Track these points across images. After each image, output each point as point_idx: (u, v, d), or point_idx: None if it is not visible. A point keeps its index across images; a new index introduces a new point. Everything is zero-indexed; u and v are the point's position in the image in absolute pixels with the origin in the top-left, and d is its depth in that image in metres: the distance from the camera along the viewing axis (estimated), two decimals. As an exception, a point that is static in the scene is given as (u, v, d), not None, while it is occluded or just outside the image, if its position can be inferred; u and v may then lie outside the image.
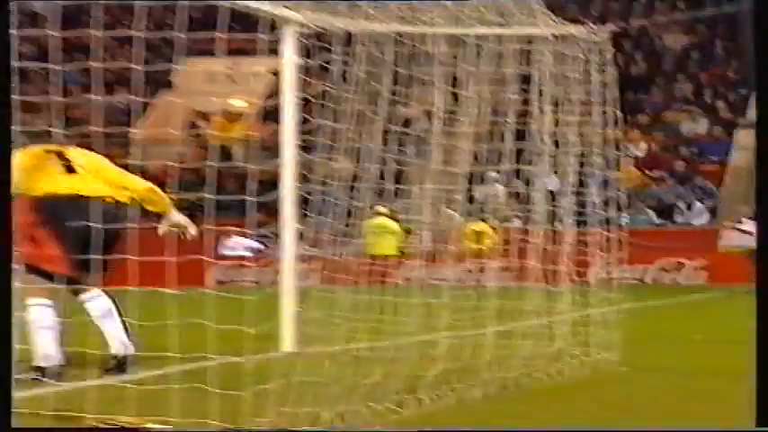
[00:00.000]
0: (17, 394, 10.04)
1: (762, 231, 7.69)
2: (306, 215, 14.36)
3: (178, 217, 13.35)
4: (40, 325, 12.48)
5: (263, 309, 13.77)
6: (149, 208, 13.23)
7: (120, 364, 12.59)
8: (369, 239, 24.02)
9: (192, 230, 13.27)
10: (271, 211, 15.46)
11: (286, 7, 14.21)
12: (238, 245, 34.00)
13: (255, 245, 34.05)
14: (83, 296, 12.84)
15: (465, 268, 19.36)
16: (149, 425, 8.89)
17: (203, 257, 12.15)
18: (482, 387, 11.03)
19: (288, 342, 14.32)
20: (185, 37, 11.25)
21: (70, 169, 12.87)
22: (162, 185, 13.37)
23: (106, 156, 12.77)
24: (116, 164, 13.19)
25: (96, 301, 12.76)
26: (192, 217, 13.45)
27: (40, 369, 12.23)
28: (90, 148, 12.27)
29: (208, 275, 29.66)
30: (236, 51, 33.67)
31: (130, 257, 10.92)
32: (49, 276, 12.43)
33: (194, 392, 9.69)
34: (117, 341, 12.69)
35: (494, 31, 14.13)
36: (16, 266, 11.17)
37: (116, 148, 14.36)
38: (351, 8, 13.81)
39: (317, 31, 14.30)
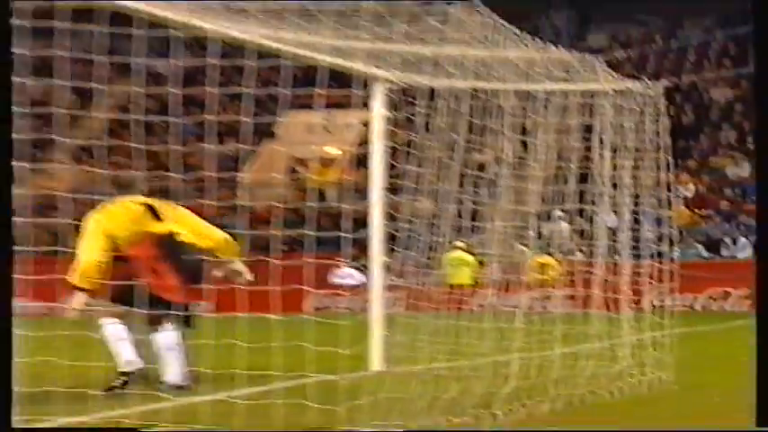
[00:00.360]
0: (137, 408, 10.12)
1: (762, 232, 7.56)
2: (393, 249, 14.36)
3: (239, 265, 13.45)
4: (118, 338, 12.62)
5: (355, 332, 13.79)
6: (220, 255, 13.30)
7: (171, 388, 12.49)
8: (447, 271, 23.97)
9: (248, 277, 13.37)
10: (362, 245, 15.48)
11: (376, 66, 14.24)
12: (347, 274, 34.04)
13: (359, 275, 34.08)
14: (159, 327, 12.82)
15: (533, 296, 19.26)
16: None
17: (304, 287, 12.18)
18: (550, 403, 10.96)
19: (376, 362, 14.30)
20: (288, 93, 11.32)
21: (158, 217, 12.97)
22: (266, 223, 13.39)
23: (217, 198, 12.82)
24: (225, 205, 13.23)
25: (169, 335, 12.82)
26: (291, 251, 13.47)
27: (127, 374, 12.36)
28: (202, 192, 12.30)
29: (306, 303, 29.68)
30: (331, 105, 33.70)
31: (241, 287, 10.97)
32: (166, 305, 12.49)
33: (295, 407, 9.70)
34: (173, 372, 12.70)
35: (560, 86, 14.11)
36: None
37: (226, 191, 14.43)
38: (434, 66, 13.83)
39: (404, 86, 14.33)
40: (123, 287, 12.35)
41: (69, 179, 14.81)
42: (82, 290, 12.53)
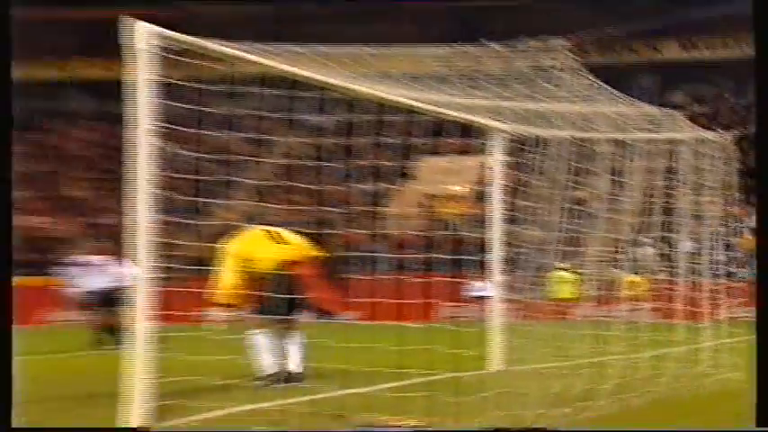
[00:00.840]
0: (285, 401, 10.17)
1: (762, 231, 6.77)
2: (509, 269, 14.38)
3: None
4: (264, 348, 12.50)
5: (479, 338, 13.83)
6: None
7: (290, 378, 12.45)
8: (553, 287, 23.85)
9: None
10: (483, 266, 15.48)
11: (495, 119, 14.27)
12: (481, 288, 33.79)
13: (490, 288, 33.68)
14: (293, 332, 12.70)
15: (624, 309, 19.11)
16: (405, 422, 8.74)
17: (435, 300, 12.24)
18: (639, 398, 10.89)
19: (496, 362, 14.29)
20: (422, 142, 11.44)
21: (278, 241, 12.81)
22: (405, 248, 13.49)
23: (366, 227, 12.91)
24: (372, 233, 13.34)
25: (300, 337, 12.74)
26: (427, 270, 13.51)
27: (270, 376, 12.32)
28: (353, 222, 12.39)
29: (438, 313, 29.63)
30: (457, 151, 33.77)
31: (384, 300, 11.08)
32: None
33: (430, 399, 9.72)
34: (295, 363, 12.61)
35: (647, 135, 14.07)
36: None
37: (373, 222, 14.53)
38: (542, 119, 13.85)
39: (517, 136, 14.35)
40: (268, 300, 12.30)
41: (247, 212, 15.05)
42: (223, 305, 12.59)
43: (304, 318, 12.65)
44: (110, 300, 19.66)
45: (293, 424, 8.97)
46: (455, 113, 13.15)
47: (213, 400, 10.20)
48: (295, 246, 12.71)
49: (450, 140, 12.78)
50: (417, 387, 10.78)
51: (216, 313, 12.21)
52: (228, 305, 12.55)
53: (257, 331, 12.51)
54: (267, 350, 12.48)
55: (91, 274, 21.55)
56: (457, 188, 39.63)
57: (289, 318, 12.37)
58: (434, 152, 34.24)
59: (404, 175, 39.46)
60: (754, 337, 6.93)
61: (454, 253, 13.33)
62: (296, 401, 10.26)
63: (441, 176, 39.07)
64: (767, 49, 6.76)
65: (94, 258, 21.97)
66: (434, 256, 12.08)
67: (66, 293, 23.20)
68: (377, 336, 12.39)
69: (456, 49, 12.62)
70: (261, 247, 12.58)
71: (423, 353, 11.68)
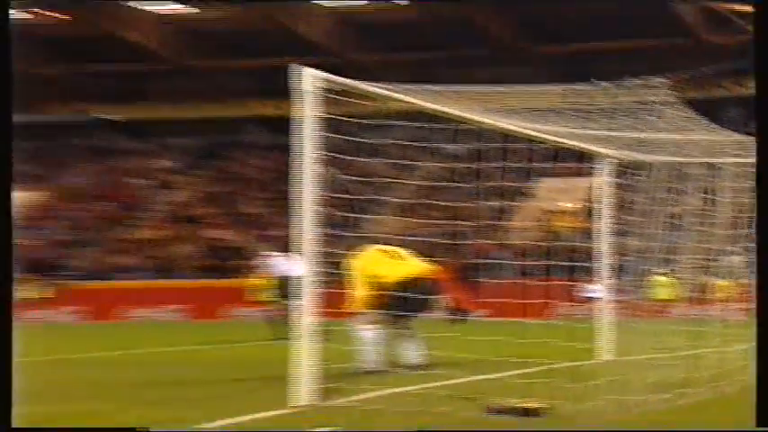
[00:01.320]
0: (423, 384, 10.09)
1: (761, 234, 5.99)
2: (615, 274, 14.21)
3: None
4: (373, 343, 12.20)
5: (590, 333, 13.64)
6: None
7: (414, 368, 12.20)
8: (653, 289, 23.54)
9: None
10: (593, 272, 15.31)
11: (603, 146, 14.09)
12: (592, 290, 33.37)
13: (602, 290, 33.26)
14: (412, 331, 12.47)
15: (715, 308, 18.74)
16: (530, 404, 8.57)
17: (552, 300, 12.11)
18: (731, 386, 10.59)
19: (605, 354, 14.09)
20: (540, 165, 11.35)
21: (397, 259, 12.56)
22: (526, 256, 13.38)
23: (493, 239, 12.85)
24: (498, 243, 13.28)
25: (418, 334, 12.51)
26: (545, 275, 13.36)
27: (371, 371, 11.94)
28: (482, 234, 12.33)
29: (554, 311, 29.41)
30: (570, 173, 33.60)
31: (509, 300, 10.99)
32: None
33: (550, 385, 9.61)
34: (413, 356, 12.37)
35: (734, 159, 13.76)
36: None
37: (498, 234, 14.50)
38: (644, 146, 13.67)
39: (622, 161, 14.18)
40: (392, 305, 12.04)
41: (392, 226, 15.18)
42: (358, 308, 12.30)
43: (437, 316, 12.58)
44: (286, 293, 19.61)
45: (434, 405, 8.93)
46: (569, 141, 13.03)
47: (367, 384, 10.21)
48: (410, 262, 12.55)
49: (564, 164, 12.65)
50: (539, 374, 10.66)
51: (356, 318, 12.17)
52: (361, 307, 12.33)
53: (370, 328, 12.33)
54: (376, 345, 12.25)
55: (285, 268, 21.43)
56: (569, 205, 39.39)
57: (408, 318, 12.21)
58: (551, 174, 34.13)
59: (525, 194, 39.24)
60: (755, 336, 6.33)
61: (568, 260, 13.16)
62: (435, 386, 10.22)
63: (556, 195, 38.89)
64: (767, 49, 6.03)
65: (276, 254, 22.12)
66: (551, 262, 11.95)
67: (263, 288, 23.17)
68: (503, 330, 12.27)
69: (570, 88, 12.52)
70: (383, 264, 12.40)
71: (542, 345, 11.57)
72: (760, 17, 5.88)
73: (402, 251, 12.62)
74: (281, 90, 11.63)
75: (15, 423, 5.61)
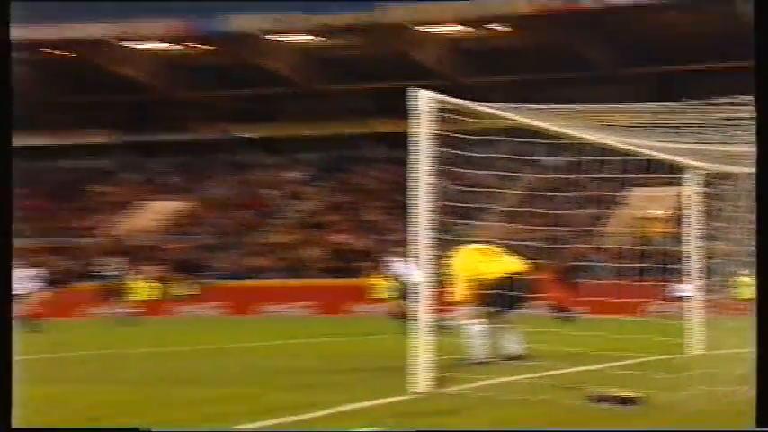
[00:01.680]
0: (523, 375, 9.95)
1: (761, 237, 5.40)
2: (704, 276, 13.92)
3: None
4: (479, 336, 11.96)
5: (681, 329, 13.34)
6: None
7: (515, 359, 12.00)
8: (737, 289, 23.01)
9: None
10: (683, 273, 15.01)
11: (691, 159, 13.79)
12: (682, 289, 32.73)
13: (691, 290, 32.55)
14: (512, 325, 12.23)
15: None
16: (628, 393, 8.35)
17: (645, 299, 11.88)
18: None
19: (695, 348, 13.76)
20: (632, 176, 11.15)
21: (494, 257, 12.23)
22: (619, 259, 13.17)
23: (590, 243, 12.65)
24: (594, 247, 13.06)
25: (516, 328, 12.31)
26: (639, 275, 13.15)
27: (480, 362, 11.73)
28: (580, 239, 12.14)
29: (645, 309, 28.94)
30: (661, 183, 33.09)
31: (606, 299, 10.81)
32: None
33: (645, 376, 9.43)
34: (512, 350, 12.15)
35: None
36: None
37: (595, 238, 14.30)
38: (729, 158, 13.33)
39: (709, 171, 13.87)
40: (492, 299, 11.80)
41: (497, 231, 15.11)
42: (460, 303, 12.12)
43: (542, 313, 12.44)
44: (403, 292, 19.64)
45: (538, 393, 8.81)
46: (659, 154, 12.78)
47: (476, 373, 10.15)
48: (506, 259, 12.32)
49: (655, 175, 12.40)
50: (634, 366, 10.46)
51: (457, 310, 12.05)
52: (463, 303, 12.14)
53: (475, 322, 12.12)
54: (481, 338, 12.05)
55: (403, 269, 21.47)
56: (661, 212, 38.68)
57: (508, 312, 12.01)
58: (643, 184, 33.54)
59: (619, 202, 38.64)
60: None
61: (660, 262, 12.89)
62: (539, 376, 10.10)
63: (648, 203, 38.17)
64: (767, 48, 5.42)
65: (394, 257, 22.12)
66: (644, 264, 11.74)
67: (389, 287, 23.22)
68: (601, 326, 12.10)
69: (663, 105, 12.28)
70: (484, 262, 12.15)
71: (637, 340, 11.38)
72: (760, 17, 5.43)
73: (497, 249, 12.41)
74: (397, 109, 11.68)
75: (15, 423, 5.03)
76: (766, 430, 5.12)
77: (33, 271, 29.21)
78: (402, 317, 20.50)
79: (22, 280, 27.78)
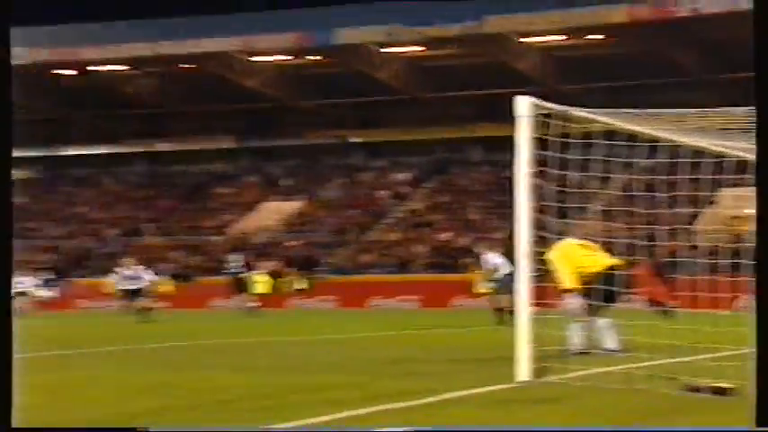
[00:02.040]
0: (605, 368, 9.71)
1: (761, 233, 5.04)
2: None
3: None
4: (578, 327, 11.82)
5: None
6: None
7: (612, 351, 11.66)
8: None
9: None
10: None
11: None
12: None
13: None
14: (600, 318, 11.93)
15: None
16: (722, 384, 8.08)
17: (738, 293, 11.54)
18: None
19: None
20: (723, 177, 10.85)
21: (592, 251, 12.07)
22: (713, 255, 12.78)
23: (681, 240, 12.29)
24: (685, 245, 12.67)
25: (609, 321, 12.02)
26: (730, 271, 12.73)
27: (580, 353, 11.54)
28: (672, 237, 11.81)
29: (738, 304, 28.06)
30: (745, 183, 32.24)
31: (700, 294, 10.50)
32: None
33: (739, 367, 9.12)
34: (609, 342, 11.89)
35: None
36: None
37: (686, 236, 13.92)
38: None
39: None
40: (593, 292, 11.56)
41: (597, 229, 14.87)
42: (570, 291, 11.84)
43: (641, 308, 12.17)
44: (507, 287, 19.37)
45: (636, 383, 8.63)
46: (751, 156, 12.35)
47: (576, 364, 9.99)
48: (602, 254, 12.04)
49: (746, 176, 11.98)
50: (727, 358, 10.16)
51: (567, 300, 11.83)
52: (571, 291, 11.85)
53: (574, 314, 11.90)
54: (581, 330, 11.86)
55: (498, 263, 21.26)
56: (745, 210, 37.81)
57: (607, 305, 11.75)
58: (734, 184, 32.69)
59: (711, 202, 37.70)
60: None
61: (750, 259, 12.49)
62: (636, 366, 9.89)
63: (739, 203, 37.23)
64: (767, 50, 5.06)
65: (494, 253, 21.88)
66: (735, 261, 11.35)
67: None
68: (696, 320, 11.77)
69: (751, 109, 11.89)
70: (585, 256, 11.94)
71: (730, 333, 11.00)
72: (760, 17, 5.09)
73: (592, 244, 12.17)
74: (496, 115, 11.60)
75: (16, 423, 4.75)
76: (766, 430, 4.82)
77: (147, 268, 30.00)
78: (500, 310, 20.34)
79: (140, 275, 28.53)
